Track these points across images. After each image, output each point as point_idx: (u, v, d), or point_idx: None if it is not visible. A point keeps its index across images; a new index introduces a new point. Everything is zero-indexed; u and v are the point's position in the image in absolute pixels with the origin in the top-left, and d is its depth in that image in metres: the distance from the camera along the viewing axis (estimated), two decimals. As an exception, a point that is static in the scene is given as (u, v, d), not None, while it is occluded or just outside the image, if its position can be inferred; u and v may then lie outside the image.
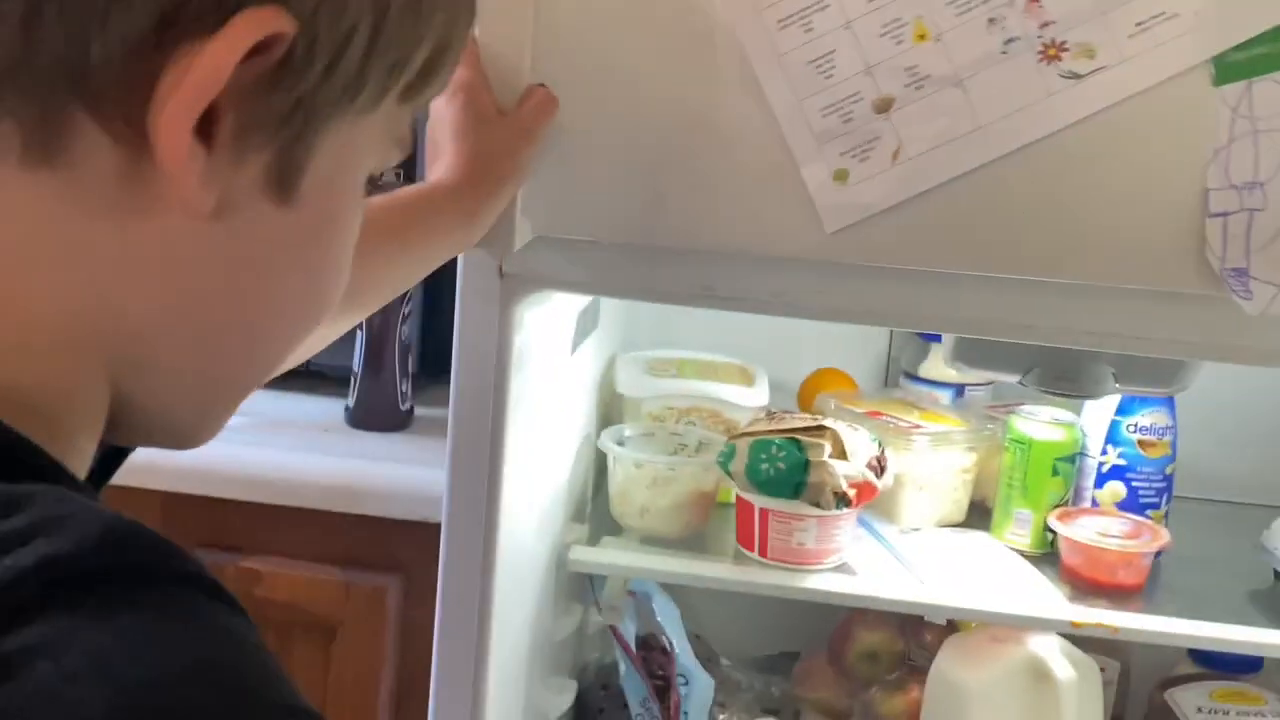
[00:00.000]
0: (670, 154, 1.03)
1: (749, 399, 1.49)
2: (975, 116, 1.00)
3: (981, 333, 1.11)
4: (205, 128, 0.46)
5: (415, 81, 0.53)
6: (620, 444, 1.42)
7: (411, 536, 1.40)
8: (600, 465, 1.47)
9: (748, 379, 1.54)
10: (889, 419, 1.48)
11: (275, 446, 1.53)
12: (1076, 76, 0.99)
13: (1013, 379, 1.19)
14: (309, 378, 1.65)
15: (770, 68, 1.00)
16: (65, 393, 0.49)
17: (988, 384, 1.59)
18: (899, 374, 1.66)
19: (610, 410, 1.54)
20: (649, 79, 1.02)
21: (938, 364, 1.59)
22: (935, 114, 1.00)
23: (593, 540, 1.40)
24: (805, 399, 1.59)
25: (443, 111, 1.00)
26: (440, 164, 1.00)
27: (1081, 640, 1.42)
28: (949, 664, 1.45)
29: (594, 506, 1.48)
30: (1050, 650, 1.42)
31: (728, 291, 1.09)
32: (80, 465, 0.50)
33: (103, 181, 0.47)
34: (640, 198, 1.04)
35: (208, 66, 0.45)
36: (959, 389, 1.59)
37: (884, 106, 1.00)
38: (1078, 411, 1.46)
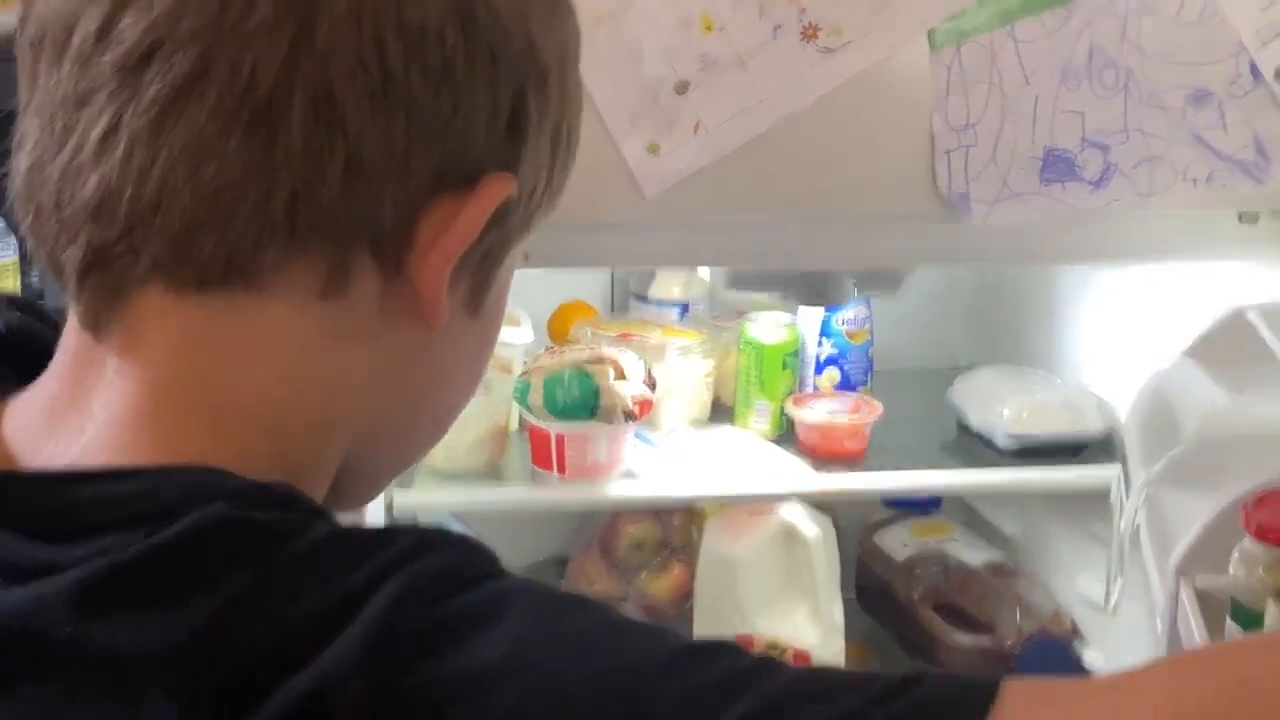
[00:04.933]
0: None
1: (518, 338, 1.66)
2: (757, 91, 1.21)
3: (764, 265, 1.34)
4: None
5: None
6: (416, 394, 1.56)
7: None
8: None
9: (511, 320, 1.71)
10: (639, 338, 1.70)
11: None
12: (830, 51, 1.22)
13: (774, 295, 1.43)
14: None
15: (589, 63, 1.17)
16: (324, 468, 0.61)
17: (705, 298, 1.83)
18: (626, 296, 1.87)
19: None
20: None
21: (663, 286, 1.82)
22: (725, 91, 1.20)
23: (404, 483, 1.55)
24: (557, 330, 1.78)
25: None
26: None
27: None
28: (717, 540, 1.70)
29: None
30: (797, 514, 1.69)
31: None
32: None
33: (364, 309, 0.57)
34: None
35: (467, 226, 0.57)
36: (684, 306, 1.81)
37: (683, 89, 1.20)
38: (793, 313, 1.72)
